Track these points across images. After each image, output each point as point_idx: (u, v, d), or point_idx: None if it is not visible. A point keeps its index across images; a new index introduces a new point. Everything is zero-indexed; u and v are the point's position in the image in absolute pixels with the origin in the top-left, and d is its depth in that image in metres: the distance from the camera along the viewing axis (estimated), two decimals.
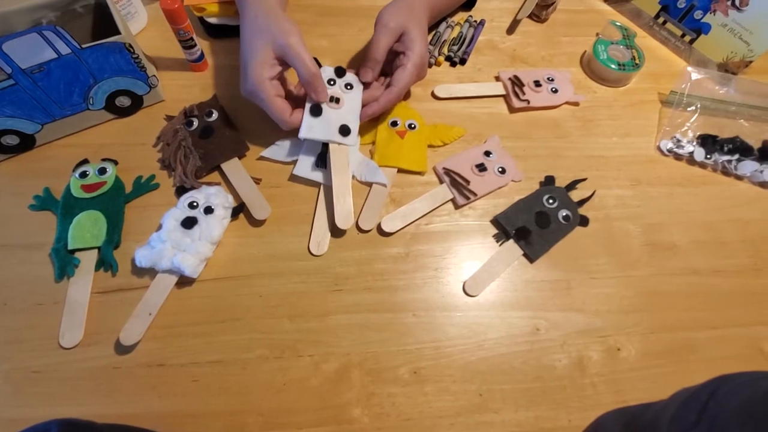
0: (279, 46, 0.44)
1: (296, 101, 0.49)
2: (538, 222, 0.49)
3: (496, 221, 0.50)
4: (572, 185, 0.52)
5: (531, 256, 0.48)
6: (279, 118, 0.46)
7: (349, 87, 0.51)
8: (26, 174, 0.48)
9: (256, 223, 0.47)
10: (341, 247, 0.47)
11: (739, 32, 0.59)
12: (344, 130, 0.49)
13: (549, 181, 0.53)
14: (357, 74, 0.52)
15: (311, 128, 0.48)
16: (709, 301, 0.48)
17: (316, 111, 0.48)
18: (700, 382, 0.30)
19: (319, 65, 0.50)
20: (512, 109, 0.59)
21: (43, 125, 0.48)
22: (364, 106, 0.50)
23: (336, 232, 0.47)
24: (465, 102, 0.59)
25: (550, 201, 0.51)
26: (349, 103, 0.50)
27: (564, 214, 0.50)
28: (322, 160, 0.50)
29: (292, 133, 0.53)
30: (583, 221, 0.51)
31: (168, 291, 0.43)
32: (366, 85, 0.52)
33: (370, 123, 0.53)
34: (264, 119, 0.52)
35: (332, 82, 0.50)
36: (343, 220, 0.46)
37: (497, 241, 0.49)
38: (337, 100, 0.49)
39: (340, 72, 0.51)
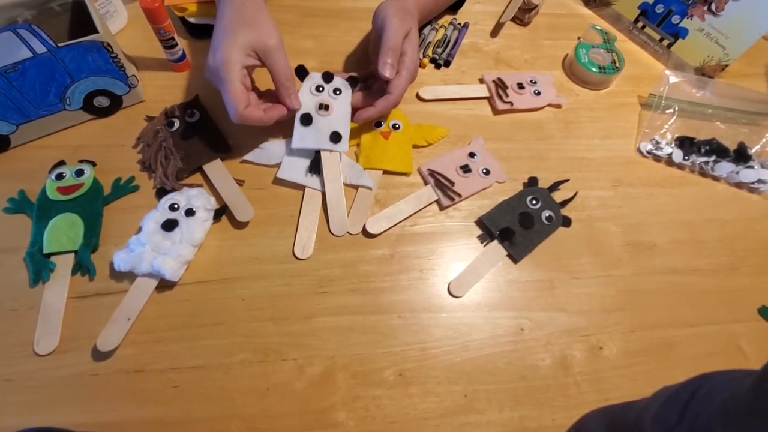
0: (261, 42, 0.43)
1: (260, 101, 0.47)
2: (522, 223, 0.49)
3: (480, 222, 0.50)
4: (555, 186, 0.53)
5: (515, 257, 0.48)
6: (233, 106, 0.43)
7: (337, 92, 0.50)
8: (0, 176, 0.47)
9: (239, 225, 0.47)
10: (326, 249, 0.47)
11: (715, 36, 0.61)
12: (335, 137, 0.49)
13: (532, 182, 0.53)
14: (358, 77, 0.52)
15: (302, 138, 0.48)
16: (688, 299, 0.49)
17: (306, 120, 0.48)
18: (681, 379, 0.30)
19: (306, 72, 0.50)
20: (496, 111, 0.59)
21: (17, 126, 0.47)
22: (358, 109, 0.50)
23: (324, 235, 0.47)
24: (449, 104, 0.59)
25: (534, 202, 0.51)
26: (338, 109, 0.50)
27: (547, 214, 0.50)
28: (315, 167, 0.49)
29: (276, 135, 0.52)
30: (566, 222, 0.51)
31: (147, 295, 0.42)
32: (373, 84, 0.52)
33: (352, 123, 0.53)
34: None
35: (320, 89, 0.50)
36: (338, 227, 0.47)
37: (482, 242, 0.49)
38: (326, 107, 0.49)
39: (327, 77, 0.50)
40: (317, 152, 0.49)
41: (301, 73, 0.50)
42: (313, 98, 0.50)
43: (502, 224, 0.49)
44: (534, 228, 0.50)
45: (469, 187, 0.51)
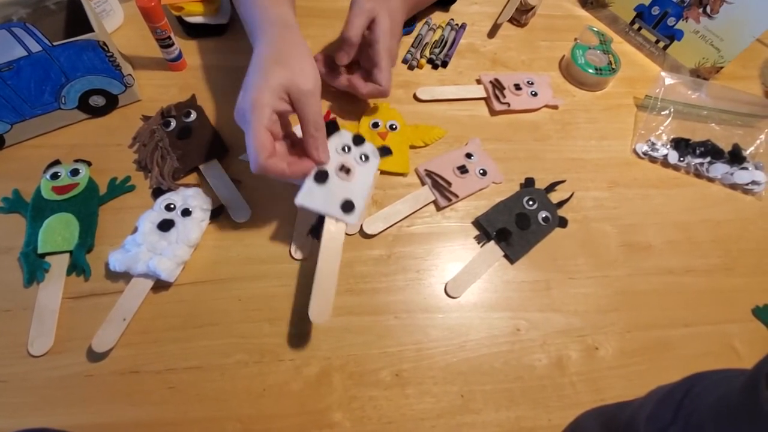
0: (294, 84, 0.39)
1: (290, 155, 0.43)
2: (519, 223, 0.50)
3: (477, 223, 0.50)
4: (551, 187, 0.53)
5: (511, 257, 0.48)
6: (254, 154, 0.38)
7: (364, 158, 0.45)
8: None
9: (235, 225, 0.47)
10: None
11: (710, 39, 0.61)
12: (347, 206, 0.42)
13: (529, 183, 0.53)
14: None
15: (311, 194, 0.41)
16: (682, 299, 0.49)
17: (322, 177, 0.42)
18: (675, 378, 0.30)
19: (337, 128, 0.46)
20: (493, 112, 0.59)
21: (12, 125, 0.47)
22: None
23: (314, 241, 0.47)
24: (446, 104, 0.59)
25: (530, 203, 0.51)
26: (360, 177, 0.44)
27: (543, 215, 0.51)
28: (316, 232, 0.43)
29: None
30: (562, 222, 0.51)
31: (143, 296, 0.42)
32: (342, 68, 0.51)
33: (351, 125, 0.53)
34: None
35: (347, 149, 0.45)
36: (317, 314, 0.39)
37: (478, 243, 0.49)
38: (348, 171, 0.44)
39: (358, 140, 0.46)
40: (321, 217, 0.43)
41: (332, 128, 0.46)
42: (336, 157, 0.44)
43: (498, 225, 0.49)
44: (530, 229, 0.50)
45: (466, 187, 0.52)
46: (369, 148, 0.47)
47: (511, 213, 0.50)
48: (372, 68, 0.50)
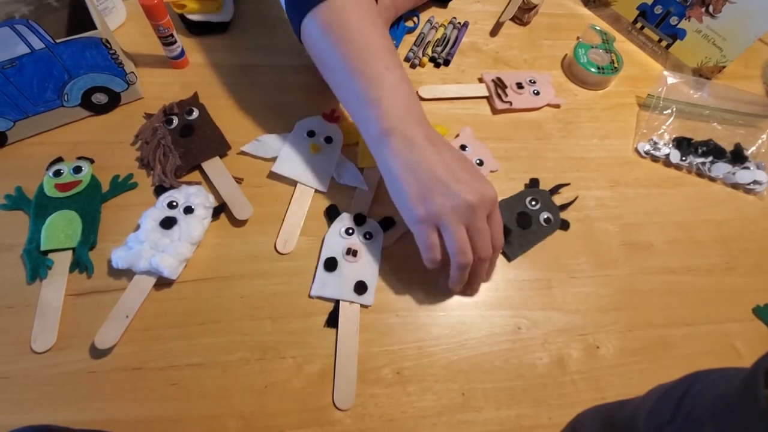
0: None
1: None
2: (520, 222, 0.50)
3: None
4: (556, 189, 0.53)
5: (509, 255, 0.48)
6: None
7: (368, 237, 0.46)
8: None
9: (237, 223, 0.47)
10: None
11: (713, 38, 0.61)
12: (360, 287, 0.44)
13: (533, 183, 0.53)
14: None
15: (324, 285, 0.44)
16: (683, 299, 0.49)
17: (331, 265, 0.44)
18: (676, 377, 0.30)
19: (338, 212, 0.47)
20: (495, 111, 0.59)
21: (15, 122, 0.47)
22: None
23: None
24: (448, 103, 0.59)
25: (533, 203, 0.51)
26: (367, 256, 0.46)
27: (546, 216, 0.50)
28: (333, 321, 0.43)
29: (274, 129, 0.52)
30: (564, 225, 0.51)
31: (146, 293, 0.42)
32: None
33: (353, 124, 0.53)
34: (246, 117, 0.51)
35: (350, 232, 0.46)
36: (344, 399, 0.40)
37: None
38: (355, 253, 0.45)
39: (359, 220, 0.47)
40: (336, 302, 0.44)
41: (332, 213, 0.48)
42: (341, 241, 0.46)
43: None
44: (531, 228, 0.50)
45: None
46: (372, 225, 0.47)
47: (513, 212, 0.50)
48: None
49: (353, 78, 0.41)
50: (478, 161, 0.53)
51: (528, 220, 0.50)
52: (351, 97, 0.43)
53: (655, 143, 0.58)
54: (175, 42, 0.53)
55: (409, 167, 0.39)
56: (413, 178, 0.39)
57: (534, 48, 0.67)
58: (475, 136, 0.56)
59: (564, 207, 0.52)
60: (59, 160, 0.47)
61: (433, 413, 0.41)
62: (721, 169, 0.57)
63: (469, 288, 0.44)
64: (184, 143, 0.49)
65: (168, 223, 0.43)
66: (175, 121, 0.50)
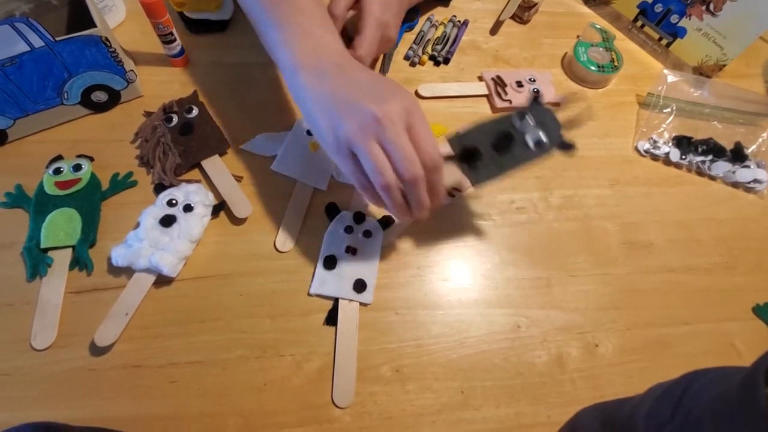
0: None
1: None
2: (497, 144, 0.41)
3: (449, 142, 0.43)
4: (559, 104, 0.46)
5: (472, 181, 0.42)
6: (435, 146, 0.36)
7: (367, 235, 0.46)
8: None
9: (237, 221, 0.47)
10: None
11: (713, 36, 0.61)
12: (359, 286, 0.44)
13: (535, 98, 0.44)
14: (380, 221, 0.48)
15: (323, 283, 0.44)
16: (683, 298, 0.49)
17: (330, 263, 0.44)
18: (675, 376, 0.30)
19: (338, 210, 0.47)
20: (495, 109, 0.59)
21: (15, 120, 0.47)
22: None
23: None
24: (448, 101, 0.59)
25: (523, 120, 0.42)
26: (367, 254, 0.46)
27: (536, 137, 0.41)
28: (332, 320, 0.43)
29: (274, 127, 0.52)
30: (566, 146, 0.40)
31: (145, 291, 0.42)
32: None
33: None
34: (246, 116, 0.51)
35: (350, 230, 0.46)
36: (343, 397, 0.40)
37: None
38: (354, 251, 0.45)
39: (359, 218, 0.47)
40: (336, 300, 0.44)
41: (331, 211, 0.48)
42: (341, 240, 0.46)
43: (470, 143, 0.41)
44: (511, 152, 0.41)
45: (467, 180, 0.51)
46: (371, 223, 0.47)
47: (494, 132, 0.41)
48: (354, 35, 0.48)
49: (264, 11, 0.42)
50: None
51: (509, 141, 0.41)
52: (264, 33, 0.42)
53: (655, 142, 0.58)
54: (175, 40, 0.53)
55: (319, 100, 0.37)
56: (324, 111, 0.37)
57: (534, 46, 0.67)
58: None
59: (570, 126, 0.43)
60: (59, 158, 0.47)
61: (432, 411, 0.41)
62: (721, 167, 0.57)
63: (410, 214, 0.39)
64: (184, 141, 0.49)
65: (167, 221, 0.43)
66: (175, 119, 0.50)
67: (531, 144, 0.40)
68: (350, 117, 0.35)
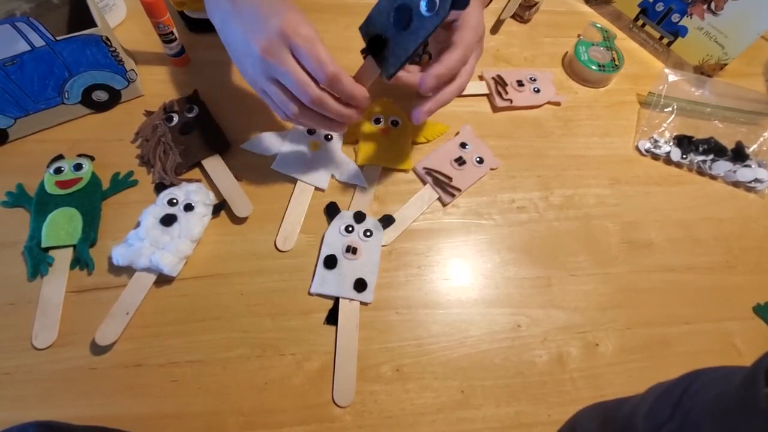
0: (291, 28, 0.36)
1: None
2: (397, 22, 0.36)
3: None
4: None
5: (384, 75, 0.38)
6: (323, 63, 0.35)
7: (368, 234, 0.46)
8: None
9: (237, 220, 0.47)
10: None
11: (715, 35, 0.61)
12: (359, 285, 0.44)
13: None
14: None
15: (324, 282, 0.44)
16: (683, 297, 0.49)
17: (331, 263, 0.45)
18: (675, 376, 0.30)
19: (338, 210, 0.48)
20: (495, 109, 0.59)
21: (16, 119, 0.47)
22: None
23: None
24: None
25: None
26: (367, 253, 0.46)
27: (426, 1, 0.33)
28: (333, 319, 0.43)
29: (274, 127, 0.52)
30: (458, 3, 0.33)
31: (146, 290, 0.42)
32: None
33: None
34: (246, 115, 0.51)
35: (350, 229, 0.46)
36: (342, 397, 0.40)
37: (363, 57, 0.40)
38: (354, 251, 0.45)
39: (359, 217, 0.47)
40: (336, 299, 0.44)
41: (332, 211, 0.48)
42: (341, 239, 0.46)
43: (372, 29, 0.38)
44: (411, 27, 0.35)
45: (467, 179, 0.52)
46: (371, 222, 0.47)
47: (390, 10, 0.36)
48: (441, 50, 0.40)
49: None
50: (478, 159, 0.53)
51: (407, 14, 0.35)
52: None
53: (656, 141, 0.58)
54: (175, 39, 0.53)
55: (231, 49, 0.40)
56: (235, 58, 0.40)
57: (534, 45, 0.67)
58: (476, 133, 0.56)
59: None
60: (60, 157, 0.47)
61: (433, 410, 0.41)
62: (722, 167, 0.57)
63: (329, 127, 0.41)
64: (185, 141, 0.49)
65: (168, 220, 0.43)
66: (176, 119, 0.50)
67: (424, 8, 0.34)
68: (246, 61, 0.37)
